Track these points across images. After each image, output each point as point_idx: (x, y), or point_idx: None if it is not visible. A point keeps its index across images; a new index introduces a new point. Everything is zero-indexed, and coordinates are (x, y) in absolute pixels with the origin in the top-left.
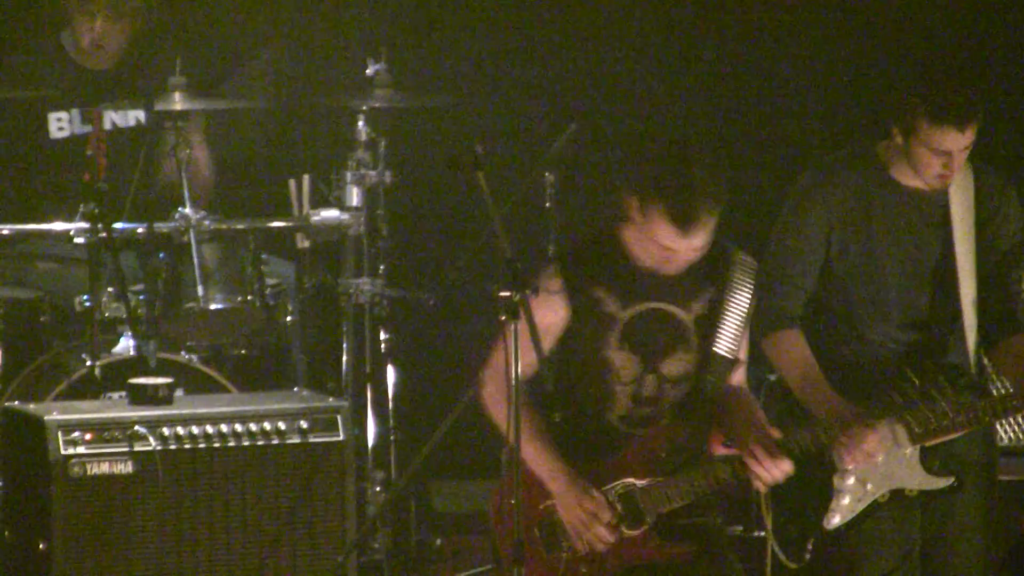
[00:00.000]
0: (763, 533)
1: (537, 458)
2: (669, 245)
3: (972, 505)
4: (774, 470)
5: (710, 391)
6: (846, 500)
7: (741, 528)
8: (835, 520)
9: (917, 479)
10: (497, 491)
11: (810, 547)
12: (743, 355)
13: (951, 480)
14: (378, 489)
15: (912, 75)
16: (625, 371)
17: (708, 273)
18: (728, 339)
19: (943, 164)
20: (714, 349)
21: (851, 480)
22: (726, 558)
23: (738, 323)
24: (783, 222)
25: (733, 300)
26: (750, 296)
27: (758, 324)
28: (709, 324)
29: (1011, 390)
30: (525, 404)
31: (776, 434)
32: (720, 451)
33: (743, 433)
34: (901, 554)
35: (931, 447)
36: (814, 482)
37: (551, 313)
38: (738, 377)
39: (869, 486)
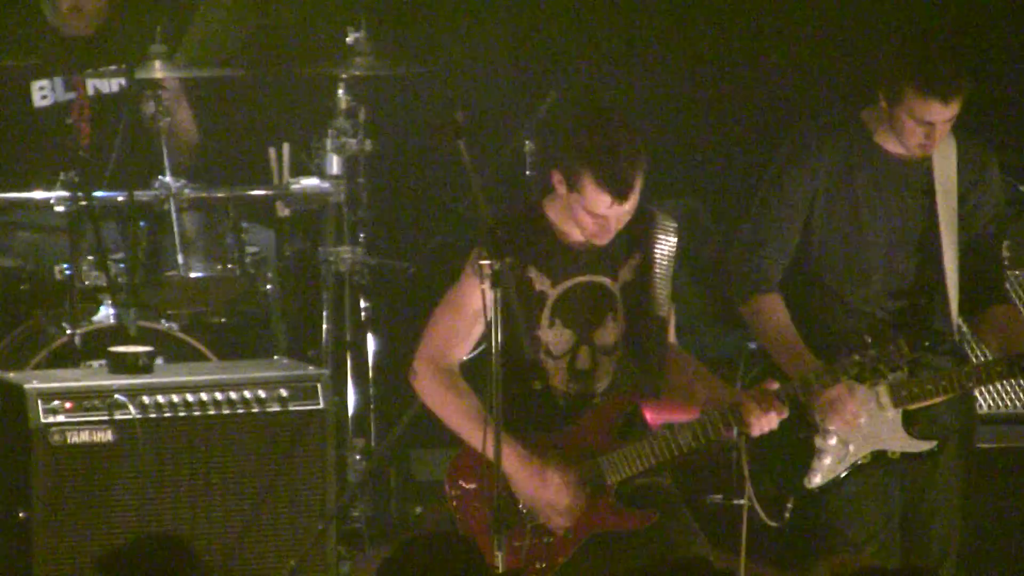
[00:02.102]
0: (743, 502)
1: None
2: (603, 213)
3: (951, 471)
4: (770, 417)
5: (650, 356)
6: (827, 460)
7: (721, 496)
8: (816, 480)
9: (899, 442)
10: (450, 469)
11: (789, 506)
12: (671, 315)
13: (933, 444)
14: (358, 457)
15: (901, 42)
16: (556, 346)
17: (632, 239)
18: (658, 301)
19: (925, 134)
20: (647, 313)
21: (833, 440)
22: (685, 520)
23: (664, 284)
24: (766, 187)
25: (657, 262)
26: (672, 255)
27: (737, 289)
28: (638, 289)
29: (994, 357)
30: (465, 389)
31: (772, 385)
32: (658, 422)
33: (710, 389)
34: (882, 518)
35: (913, 411)
36: (795, 442)
37: (481, 297)
38: (672, 337)
39: (851, 447)
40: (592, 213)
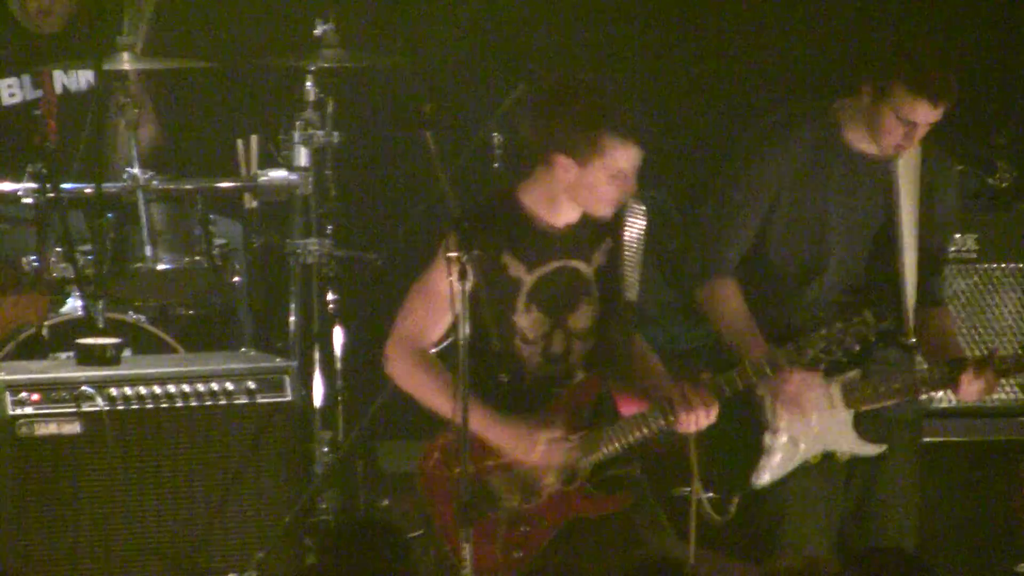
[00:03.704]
0: (687, 490)
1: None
2: (627, 168)
3: (901, 466)
4: (702, 415)
5: (618, 340)
6: (777, 458)
7: (689, 489)
8: (765, 478)
9: (849, 443)
10: (423, 460)
11: (735, 501)
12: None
13: (882, 448)
14: (325, 449)
15: (896, 38)
16: (531, 331)
17: (603, 223)
18: (629, 284)
19: (904, 134)
20: (619, 296)
21: (783, 439)
22: (654, 509)
23: (634, 267)
24: (733, 173)
25: (628, 245)
26: (642, 238)
27: (694, 272)
28: (610, 273)
29: (943, 361)
30: (439, 367)
31: (704, 376)
32: (628, 409)
33: (657, 381)
34: (825, 516)
35: (864, 413)
36: (744, 439)
37: (451, 285)
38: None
39: (801, 446)
40: (617, 173)
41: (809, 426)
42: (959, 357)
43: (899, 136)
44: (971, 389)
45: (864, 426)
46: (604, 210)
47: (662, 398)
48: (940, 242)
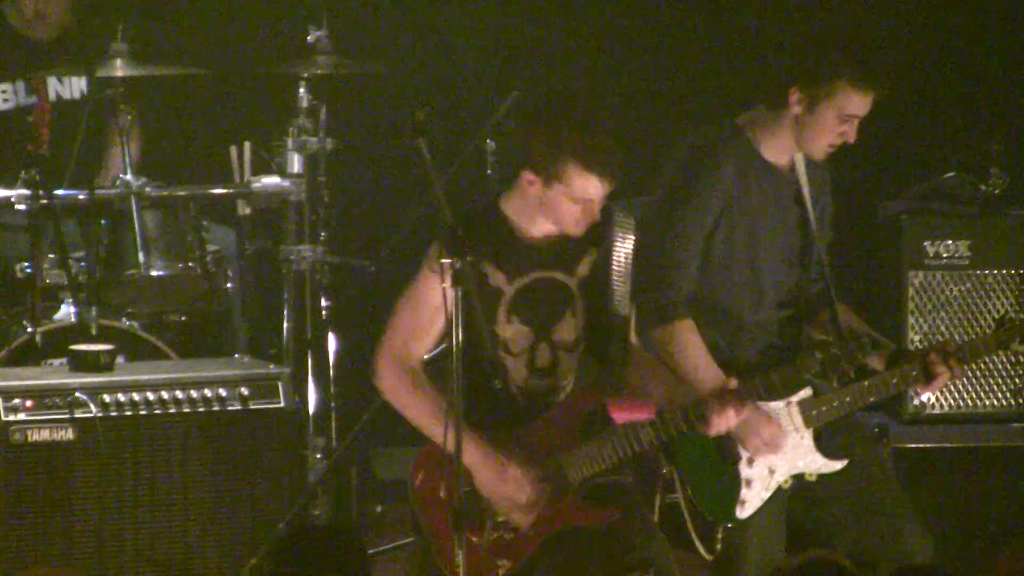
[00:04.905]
0: (675, 496)
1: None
2: (590, 196)
3: (877, 467)
4: (728, 415)
5: (612, 353)
6: (755, 488)
7: (679, 495)
8: (748, 510)
9: (816, 463)
10: (412, 469)
11: (720, 537)
12: (632, 313)
13: (845, 461)
14: (319, 456)
15: (832, 38)
16: (515, 343)
17: (589, 235)
18: (617, 298)
19: (840, 133)
20: (606, 309)
21: (758, 467)
22: (644, 519)
23: (623, 281)
24: (671, 208)
25: (615, 259)
26: (630, 253)
27: (648, 316)
28: (596, 285)
29: (895, 370)
30: (427, 386)
31: (732, 383)
32: (622, 418)
33: (667, 388)
34: (780, 536)
35: (821, 429)
36: (720, 473)
37: (439, 292)
38: (632, 335)
39: (776, 473)
40: (578, 200)
41: (779, 452)
42: (922, 350)
43: (835, 136)
44: (942, 379)
45: (825, 443)
46: (571, 228)
47: (691, 401)
48: (831, 240)
